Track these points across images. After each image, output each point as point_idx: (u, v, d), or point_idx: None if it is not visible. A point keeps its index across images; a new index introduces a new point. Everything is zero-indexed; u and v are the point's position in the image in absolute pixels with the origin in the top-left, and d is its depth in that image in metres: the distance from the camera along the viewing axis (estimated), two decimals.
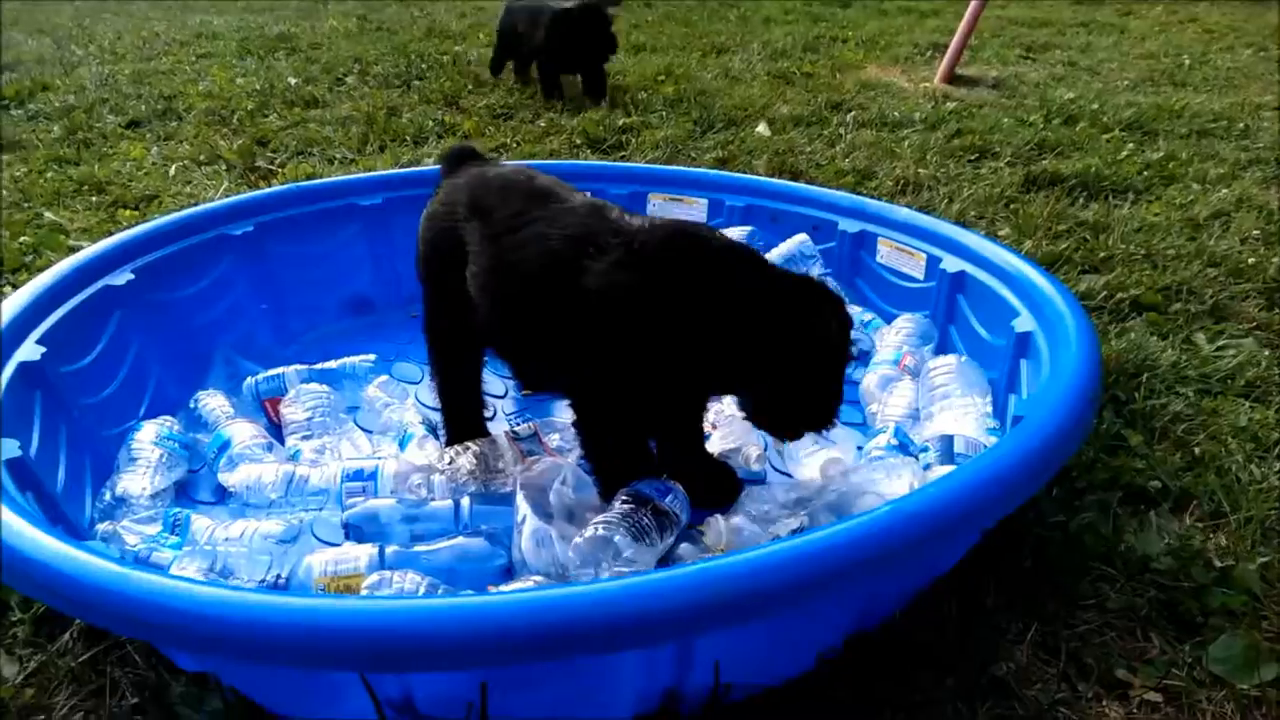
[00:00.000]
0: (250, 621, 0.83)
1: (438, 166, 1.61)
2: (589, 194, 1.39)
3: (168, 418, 1.50)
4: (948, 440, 1.40)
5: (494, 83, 4.00)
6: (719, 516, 1.25)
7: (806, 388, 1.26)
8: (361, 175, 2.25)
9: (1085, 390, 1.19)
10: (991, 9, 5.32)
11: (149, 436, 1.43)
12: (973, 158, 2.94)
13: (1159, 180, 2.73)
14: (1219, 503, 1.41)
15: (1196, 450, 1.53)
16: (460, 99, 3.77)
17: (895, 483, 1.28)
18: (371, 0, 6.39)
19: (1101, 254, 2.23)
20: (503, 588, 1.11)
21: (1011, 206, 2.55)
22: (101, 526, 1.26)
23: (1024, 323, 1.49)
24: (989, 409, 1.50)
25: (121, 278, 1.63)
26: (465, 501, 1.29)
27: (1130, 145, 3.02)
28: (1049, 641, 1.18)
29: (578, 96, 3.73)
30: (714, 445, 1.50)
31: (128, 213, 2.57)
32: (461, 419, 1.52)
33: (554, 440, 1.47)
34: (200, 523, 1.25)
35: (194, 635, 0.86)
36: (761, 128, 3.31)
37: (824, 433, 1.34)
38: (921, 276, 1.81)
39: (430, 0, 6.36)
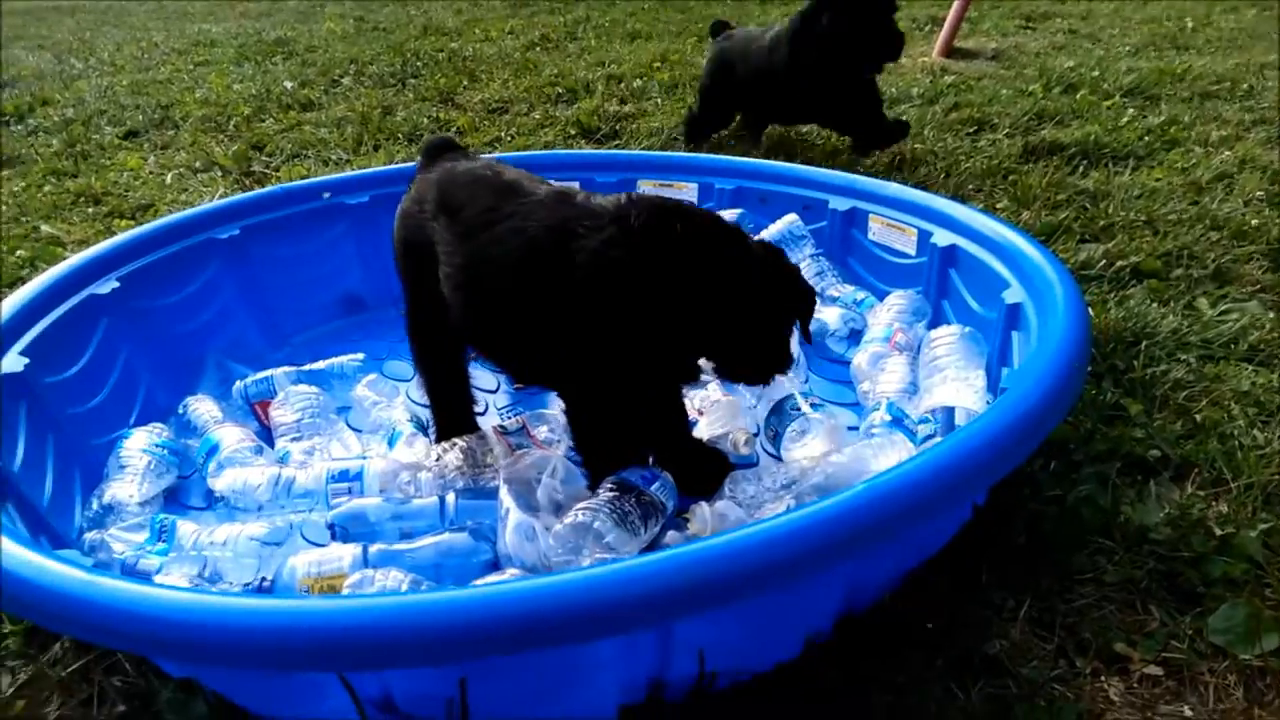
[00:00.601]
0: (208, 625, 0.83)
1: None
2: (554, 183, 1.39)
3: (157, 424, 1.50)
4: (949, 412, 1.38)
5: (489, 76, 3.98)
6: (704, 503, 1.23)
7: (773, 337, 1.33)
8: (346, 174, 2.24)
9: (1070, 360, 1.16)
10: None
11: (138, 444, 1.43)
12: (971, 130, 2.90)
13: (1160, 145, 2.68)
14: (1220, 470, 1.37)
15: (1198, 417, 1.50)
16: (456, 95, 3.76)
17: (884, 460, 1.26)
18: (369, 0, 6.39)
19: (1101, 222, 2.19)
20: (477, 582, 1.10)
21: (1010, 178, 2.50)
22: (89, 535, 1.27)
23: (1014, 294, 1.47)
24: (983, 381, 1.48)
25: (106, 286, 1.63)
26: (450, 498, 1.28)
27: (1131, 111, 2.96)
28: (1044, 618, 1.16)
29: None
30: (702, 430, 1.48)
31: (124, 222, 2.58)
32: (450, 414, 1.51)
33: (542, 433, 1.46)
34: (186, 528, 1.25)
35: (161, 641, 0.86)
36: None
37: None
38: (913, 252, 1.79)
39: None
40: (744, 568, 0.87)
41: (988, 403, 1.44)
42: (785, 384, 1.52)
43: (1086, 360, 1.23)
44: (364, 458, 1.40)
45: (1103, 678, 1.09)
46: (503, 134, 3.23)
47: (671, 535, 1.21)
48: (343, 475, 1.32)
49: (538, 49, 4.53)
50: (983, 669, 1.08)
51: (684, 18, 5.05)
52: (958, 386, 1.45)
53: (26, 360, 1.39)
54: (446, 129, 3.31)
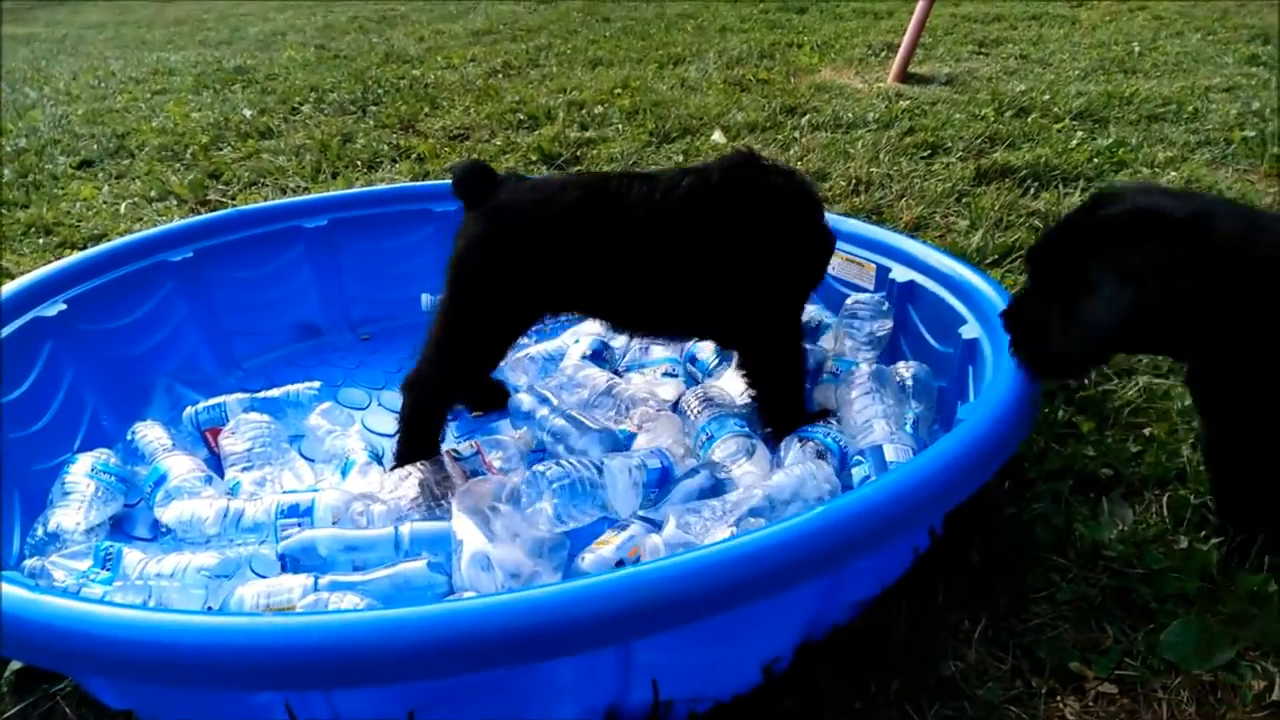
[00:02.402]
0: (154, 639, 0.84)
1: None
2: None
3: (104, 450, 1.47)
4: (877, 450, 1.39)
5: (450, 103, 3.98)
6: (654, 533, 1.23)
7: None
8: (306, 197, 2.22)
9: (1023, 390, 1.19)
10: (944, 6, 5.36)
11: (83, 469, 1.40)
12: (925, 154, 2.95)
13: (1109, 167, 2.74)
14: (1171, 487, 1.40)
15: (1148, 433, 1.53)
16: (417, 122, 3.75)
17: (817, 487, 1.27)
18: (330, 29, 6.38)
19: None
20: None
21: (964, 200, 2.55)
22: (29, 562, 1.23)
23: (970, 329, 1.49)
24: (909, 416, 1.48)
25: (53, 309, 1.60)
26: (405, 528, 1.26)
27: (1081, 134, 3.03)
28: (1000, 638, 1.16)
29: None
30: (641, 443, 1.48)
31: (75, 253, 2.53)
32: (425, 441, 1.50)
33: (497, 459, 1.45)
34: (132, 556, 1.22)
35: (96, 657, 0.86)
36: (716, 135, 3.31)
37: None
38: (872, 287, 1.80)
39: (389, 26, 6.36)
40: (707, 586, 0.87)
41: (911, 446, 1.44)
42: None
43: (1039, 391, 1.25)
44: (315, 490, 1.38)
45: (1059, 697, 1.09)
46: (464, 160, 3.22)
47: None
48: (292, 510, 1.30)
49: (499, 76, 4.54)
50: (939, 691, 1.08)
51: (644, 44, 5.10)
52: (882, 426, 1.44)
53: None
54: (407, 155, 3.30)
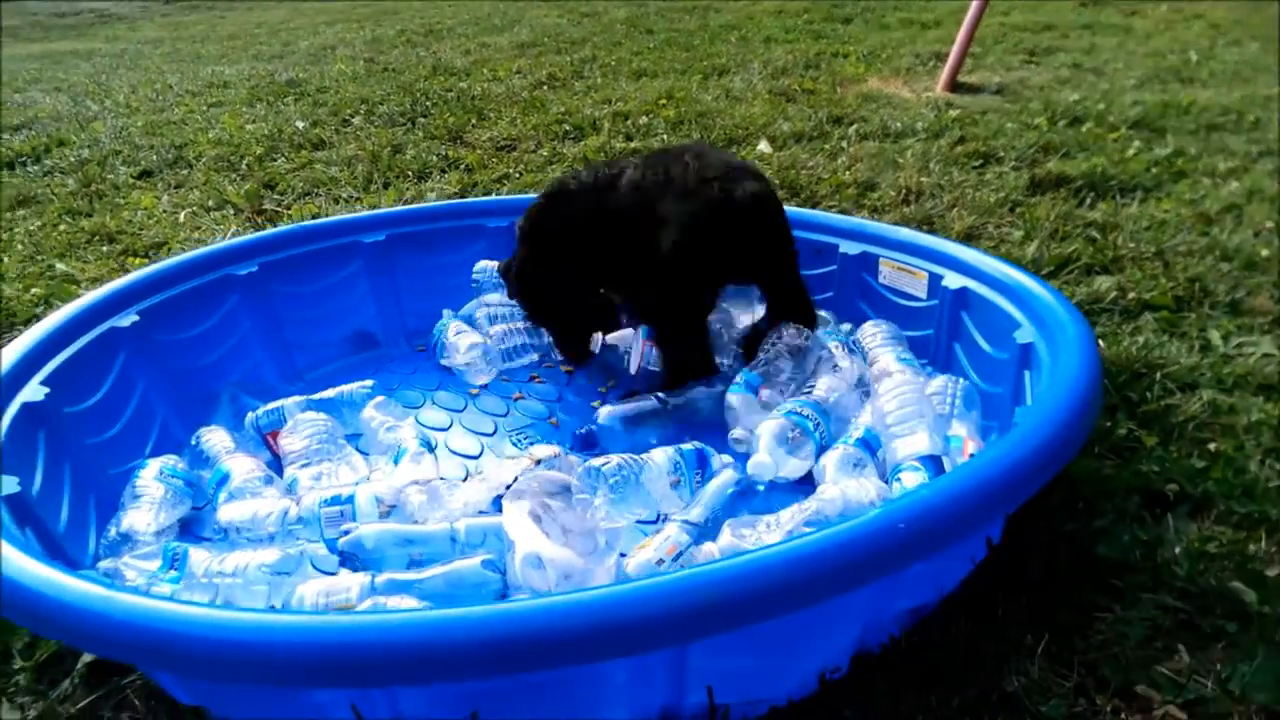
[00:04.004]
0: (227, 638, 0.86)
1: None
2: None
3: (172, 455, 1.51)
4: (928, 460, 1.37)
5: (497, 115, 4.03)
6: (706, 544, 1.24)
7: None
8: (365, 214, 2.27)
9: (1083, 393, 1.17)
10: (994, 15, 5.31)
11: (153, 473, 1.44)
12: (977, 164, 2.92)
13: (1168, 177, 2.69)
14: (1240, 504, 1.36)
15: (1213, 449, 1.49)
16: (464, 133, 3.80)
17: (863, 494, 1.27)
18: (377, 43, 6.50)
19: (1110, 254, 2.19)
20: None
21: (1017, 210, 2.51)
22: (104, 563, 1.27)
23: (1025, 334, 1.47)
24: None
25: (126, 320, 1.65)
26: (461, 524, 1.28)
27: (1137, 143, 2.98)
28: (1063, 654, 1.14)
29: None
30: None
31: (137, 260, 2.60)
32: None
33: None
34: (198, 556, 1.25)
35: (173, 655, 0.89)
36: (763, 145, 3.31)
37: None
38: (924, 295, 1.79)
39: (436, 40, 6.46)
40: (764, 587, 0.88)
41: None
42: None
43: (1100, 393, 1.23)
44: (357, 483, 1.40)
45: (1123, 716, 1.07)
46: (511, 171, 3.26)
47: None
48: (334, 500, 1.33)
49: (545, 88, 4.59)
50: (1001, 707, 1.06)
51: (688, 55, 5.12)
52: (923, 436, 1.42)
53: (47, 390, 1.41)
54: (455, 166, 3.35)
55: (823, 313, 1.85)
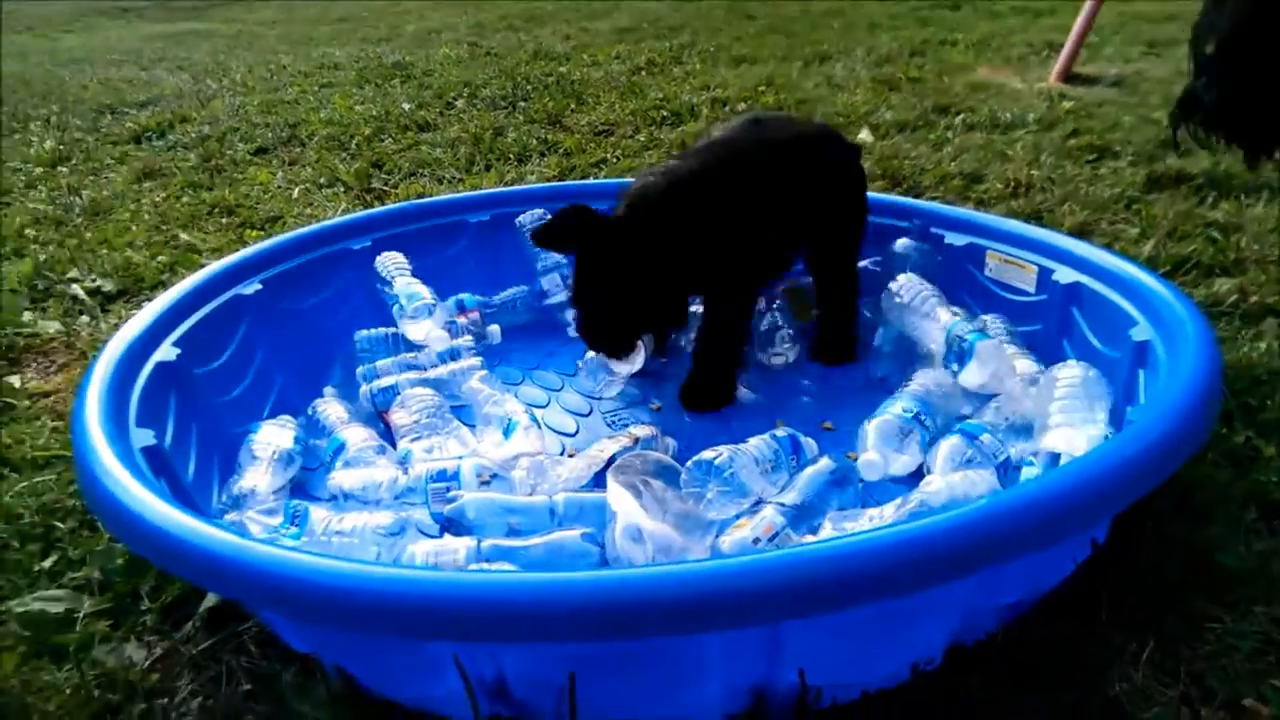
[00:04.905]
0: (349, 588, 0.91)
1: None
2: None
3: (287, 418, 1.59)
4: (1052, 458, 1.34)
5: (596, 100, 4.06)
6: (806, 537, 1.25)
7: None
8: (472, 193, 2.33)
9: (1201, 394, 1.13)
10: (1112, 4, 5.06)
11: (268, 436, 1.52)
12: (1091, 158, 2.81)
13: None
14: None
15: None
16: (563, 117, 3.86)
17: (971, 488, 1.25)
18: (480, 28, 6.63)
19: (1232, 255, 2.09)
20: None
21: (1133, 207, 2.42)
22: (229, 516, 1.35)
23: (1141, 331, 1.42)
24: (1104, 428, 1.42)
25: (250, 288, 1.75)
26: (560, 498, 1.32)
27: None
28: (1168, 663, 1.11)
29: None
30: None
31: (254, 233, 2.74)
32: None
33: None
34: (318, 514, 1.32)
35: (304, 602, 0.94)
36: (864, 134, 3.26)
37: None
38: (1033, 289, 1.74)
39: (538, 25, 6.55)
40: (863, 571, 0.88)
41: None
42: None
43: (1219, 395, 1.19)
44: (461, 457, 1.45)
45: None
46: (608, 155, 3.30)
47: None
48: (440, 475, 1.39)
49: (643, 73, 4.61)
50: (1103, 711, 1.04)
51: (789, 42, 5.06)
52: (1074, 432, 1.40)
53: (179, 351, 1.51)
54: (554, 150, 3.40)
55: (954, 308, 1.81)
